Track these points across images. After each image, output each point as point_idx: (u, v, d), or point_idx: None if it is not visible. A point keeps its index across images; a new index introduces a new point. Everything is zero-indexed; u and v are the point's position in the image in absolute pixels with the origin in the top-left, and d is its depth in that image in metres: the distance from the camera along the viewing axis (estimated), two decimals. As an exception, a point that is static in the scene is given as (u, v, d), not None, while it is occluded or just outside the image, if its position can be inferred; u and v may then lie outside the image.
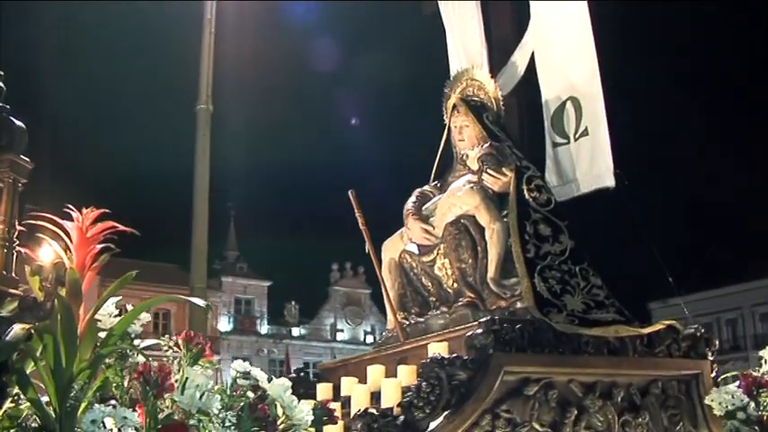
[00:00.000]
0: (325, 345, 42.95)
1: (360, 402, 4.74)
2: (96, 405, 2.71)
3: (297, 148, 49.93)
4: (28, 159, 3.01)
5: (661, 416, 4.87)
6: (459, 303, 5.28)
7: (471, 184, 5.53)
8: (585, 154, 5.95)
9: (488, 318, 4.60)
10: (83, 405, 2.72)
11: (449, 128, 6.08)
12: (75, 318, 2.77)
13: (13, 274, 2.96)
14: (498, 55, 6.68)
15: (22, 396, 2.72)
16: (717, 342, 5.27)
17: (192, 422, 2.80)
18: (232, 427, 2.91)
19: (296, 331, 43.14)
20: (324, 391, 5.31)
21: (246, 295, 42.26)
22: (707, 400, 4.75)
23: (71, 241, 2.94)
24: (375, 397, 4.77)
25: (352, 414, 4.48)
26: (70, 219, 2.96)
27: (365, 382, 4.97)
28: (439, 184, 6.03)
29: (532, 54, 6.37)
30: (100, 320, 2.98)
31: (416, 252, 5.71)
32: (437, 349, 4.62)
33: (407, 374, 4.71)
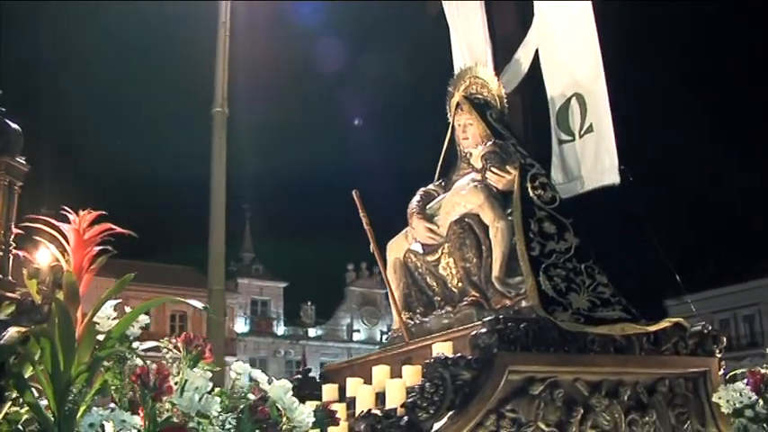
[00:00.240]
0: (342, 345, 42.92)
1: (365, 403, 4.72)
2: (95, 408, 2.71)
3: (310, 149, 49.96)
4: (24, 161, 3.01)
5: (668, 414, 4.83)
6: (464, 303, 5.26)
7: (475, 183, 5.51)
8: (590, 151, 5.91)
9: (493, 317, 4.58)
10: (81, 408, 2.71)
11: (452, 126, 6.06)
12: (72, 321, 2.76)
13: (11, 278, 2.96)
14: (502, 53, 6.64)
15: (21, 399, 2.73)
16: (725, 339, 5.22)
17: (191, 425, 2.79)
18: (232, 430, 2.90)
19: (312, 332, 43.18)
20: (329, 392, 5.29)
21: (263, 296, 42.34)
22: (715, 398, 4.72)
23: (68, 244, 2.92)
24: (380, 398, 4.75)
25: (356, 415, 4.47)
26: (67, 221, 2.95)
27: (371, 383, 4.95)
28: (443, 183, 6.01)
29: (536, 51, 6.34)
30: (98, 323, 2.97)
31: (421, 251, 5.69)
32: (442, 349, 4.59)
33: (412, 375, 4.69)
